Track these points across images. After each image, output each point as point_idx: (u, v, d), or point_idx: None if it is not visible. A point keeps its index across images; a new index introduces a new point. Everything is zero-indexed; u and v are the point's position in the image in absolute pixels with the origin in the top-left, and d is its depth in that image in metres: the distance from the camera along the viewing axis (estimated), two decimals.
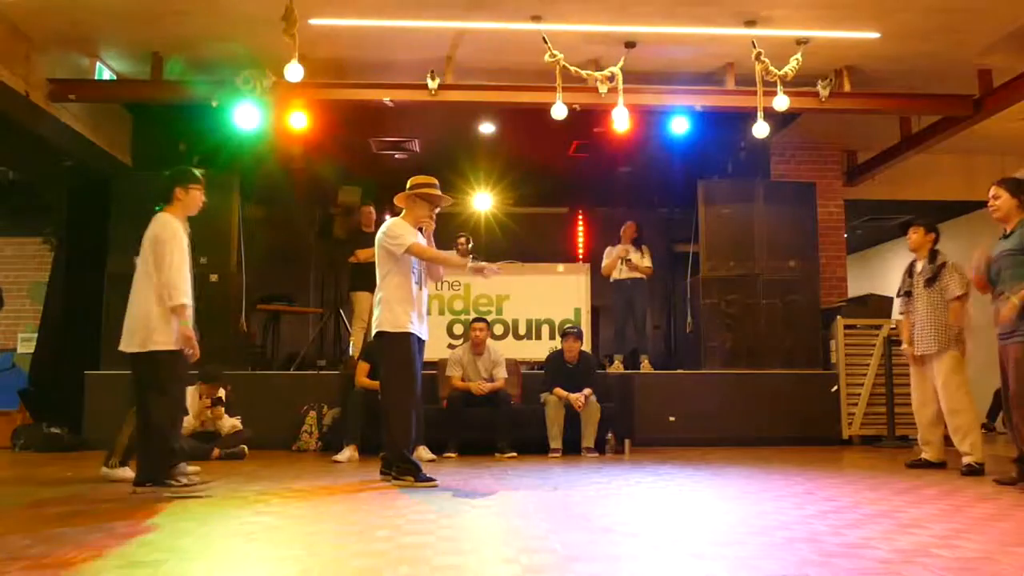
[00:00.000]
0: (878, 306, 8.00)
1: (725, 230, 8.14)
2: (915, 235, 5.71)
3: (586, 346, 7.34)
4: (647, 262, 8.33)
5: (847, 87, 7.14)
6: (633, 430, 7.04)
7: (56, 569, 2.49)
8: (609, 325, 8.90)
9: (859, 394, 7.67)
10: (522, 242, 9.34)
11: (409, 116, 7.92)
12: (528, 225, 9.81)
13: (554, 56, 6.30)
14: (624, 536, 3.10)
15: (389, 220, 4.88)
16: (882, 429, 7.53)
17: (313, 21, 6.12)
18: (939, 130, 7.86)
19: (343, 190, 8.47)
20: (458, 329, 8.13)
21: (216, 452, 6.13)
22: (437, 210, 4.95)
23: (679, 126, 7.58)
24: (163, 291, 4.26)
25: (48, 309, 7.94)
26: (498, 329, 8.11)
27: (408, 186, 4.90)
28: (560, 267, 8.78)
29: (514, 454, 6.51)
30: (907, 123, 8.38)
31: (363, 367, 6.49)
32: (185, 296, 4.29)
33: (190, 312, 4.36)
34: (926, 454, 5.66)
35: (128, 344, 4.30)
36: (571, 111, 6.65)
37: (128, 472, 5.11)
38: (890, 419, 7.45)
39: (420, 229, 4.79)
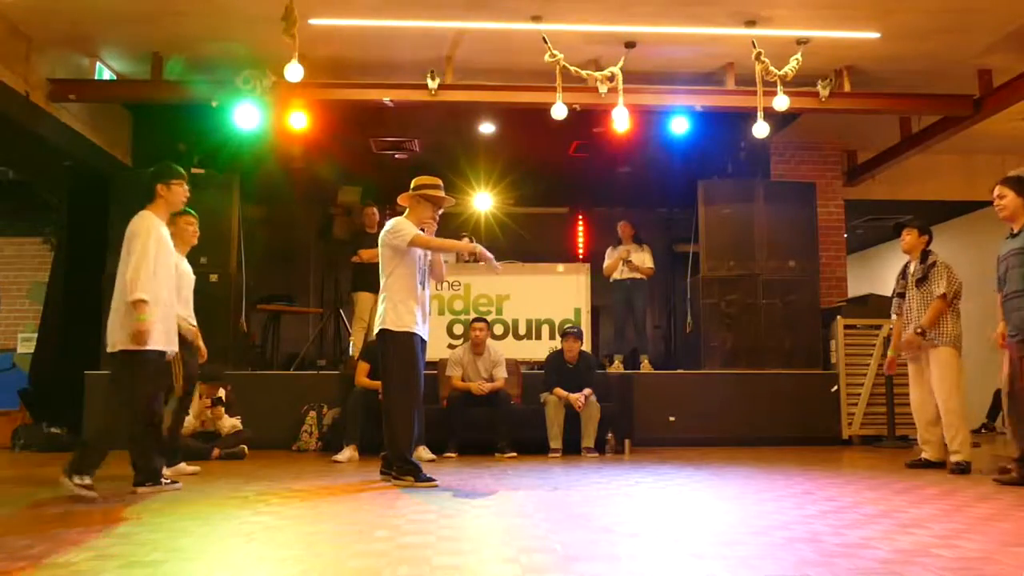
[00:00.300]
0: (878, 306, 7.99)
1: (725, 230, 8.14)
2: (908, 236, 5.73)
3: (586, 346, 7.34)
4: (649, 263, 8.34)
5: (847, 87, 7.14)
6: (633, 430, 7.04)
7: (56, 569, 2.49)
8: (609, 325, 8.90)
9: (859, 394, 7.67)
10: (522, 242, 9.34)
11: (409, 116, 7.93)
12: (528, 225, 9.81)
13: (554, 56, 6.30)
14: (624, 536, 3.10)
15: (392, 219, 4.88)
16: (882, 429, 7.54)
17: (313, 21, 6.12)
18: (939, 130, 7.86)
19: (343, 190, 8.48)
20: (458, 329, 8.13)
21: (216, 452, 6.13)
22: (440, 211, 4.95)
23: (679, 126, 7.58)
24: (126, 288, 4.20)
25: (48, 309, 7.94)
26: (498, 329, 8.10)
27: (412, 186, 4.90)
28: (560, 267, 8.77)
29: (514, 454, 6.51)
30: (907, 123, 8.38)
31: (363, 367, 6.49)
32: (144, 292, 4.16)
33: (178, 312, 4.32)
34: (926, 454, 5.67)
35: (108, 345, 4.30)
36: (571, 111, 6.66)
37: (187, 466, 5.16)
38: (890, 419, 7.45)
39: (422, 229, 4.79)
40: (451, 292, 8.26)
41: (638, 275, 8.29)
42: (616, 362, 8.18)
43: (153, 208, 4.44)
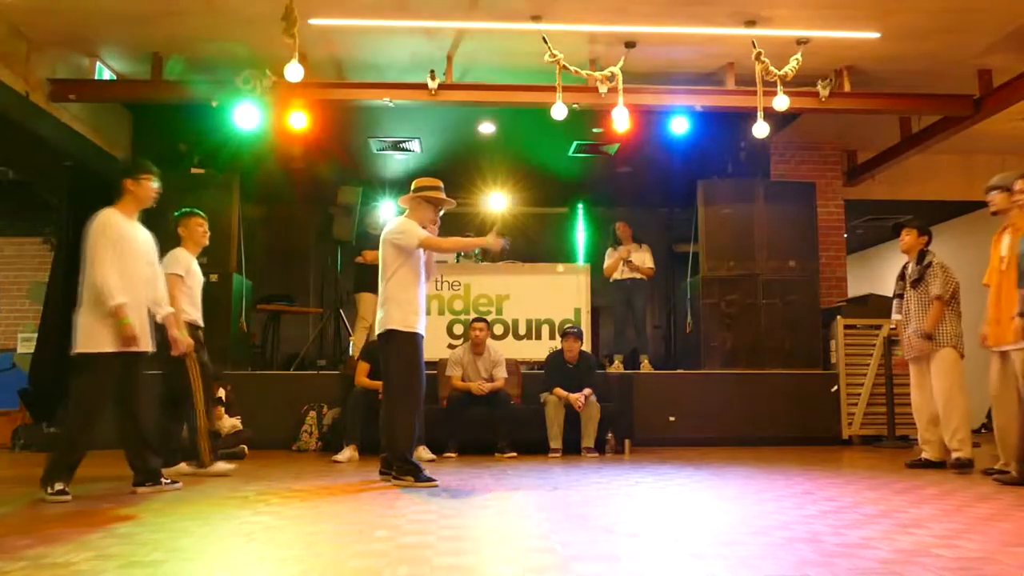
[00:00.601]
0: (878, 306, 7.99)
1: (725, 230, 8.15)
2: (908, 237, 5.73)
3: (586, 346, 7.34)
4: (649, 263, 8.34)
5: (847, 87, 7.14)
6: (633, 430, 7.04)
7: (56, 569, 2.49)
8: (609, 325, 8.91)
9: (859, 394, 7.67)
10: (522, 242, 9.34)
11: (409, 116, 7.93)
12: (528, 225, 9.80)
13: (554, 56, 6.30)
14: (624, 536, 3.10)
15: (396, 219, 4.87)
16: (882, 429, 7.54)
17: (313, 21, 6.12)
18: (939, 130, 7.86)
19: (343, 190, 8.47)
20: (458, 329, 8.12)
21: (216, 452, 6.12)
22: (441, 212, 4.95)
23: (679, 126, 7.58)
24: (89, 292, 4.17)
25: (48, 309, 7.94)
26: (498, 329, 8.10)
27: (413, 188, 4.90)
28: (560, 267, 8.78)
29: (514, 454, 6.51)
30: (907, 123, 8.38)
31: (363, 367, 6.49)
32: (120, 295, 4.13)
33: (157, 311, 4.32)
34: (926, 454, 5.67)
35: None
36: (571, 111, 6.66)
37: (222, 465, 5.17)
38: (890, 419, 7.45)
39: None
40: (451, 292, 8.25)
41: (638, 275, 8.29)
42: (616, 362, 8.18)
43: (120, 205, 4.36)
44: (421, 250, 4.76)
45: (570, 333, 7.00)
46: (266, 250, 8.85)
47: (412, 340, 4.65)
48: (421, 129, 8.55)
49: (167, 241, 5.17)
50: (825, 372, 7.89)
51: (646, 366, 8.12)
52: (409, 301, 4.67)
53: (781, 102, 6.57)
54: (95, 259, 4.17)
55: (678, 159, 8.58)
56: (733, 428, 7.53)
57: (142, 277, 4.38)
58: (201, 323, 5.29)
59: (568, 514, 3.64)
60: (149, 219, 4.64)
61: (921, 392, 5.65)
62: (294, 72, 5.95)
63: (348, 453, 6.12)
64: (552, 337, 8.10)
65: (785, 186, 8.71)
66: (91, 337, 4.18)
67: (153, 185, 4.46)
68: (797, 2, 6.03)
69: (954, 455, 5.36)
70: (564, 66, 6.33)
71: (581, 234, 10.14)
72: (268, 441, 6.84)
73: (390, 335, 4.65)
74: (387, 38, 6.59)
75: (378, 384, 5.59)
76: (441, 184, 4.93)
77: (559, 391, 6.70)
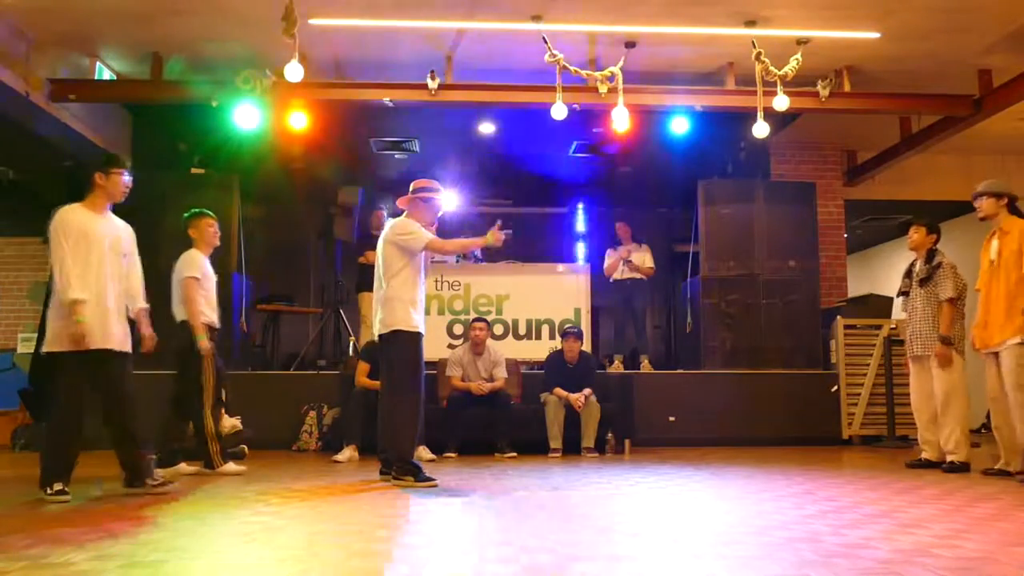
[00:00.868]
0: (878, 306, 8.00)
1: (725, 230, 8.15)
2: (916, 234, 5.72)
3: (586, 346, 7.34)
4: (649, 263, 8.35)
5: (847, 87, 7.14)
6: (633, 430, 7.04)
7: (56, 569, 2.49)
8: (609, 325, 8.90)
9: (859, 394, 7.67)
10: (522, 242, 9.33)
11: (409, 116, 7.93)
12: (528, 225, 9.80)
13: (554, 56, 6.30)
14: (624, 536, 3.10)
15: (397, 219, 4.86)
16: (882, 429, 7.54)
17: (313, 21, 6.13)
18: (939, 130, 7.86)
19: (343, 190, 8.47)
20: (458, 329, 8.13)
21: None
22: (440, 213, 4.95)
23: (679, 126, 7.58)
24: (54, 292, 4.11)
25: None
26: (498, 329, 8.11)
27: (411, 189, 4.90)
28: (560, 267, 8.79)
29: (514, 454, 6.51)
30: (907, 123, 8.38)
31: (363, 367, 6.48)
32: (76, 291, 4.01)
33: (125, 309, 4.26)
34: (926, 454, 5.67)
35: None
36: (571, 111, 6.66)
37: (233, 466, 5.17)
38: (890, 419, 7.45)
39: None
40: (451, 292, 8.26)
41: (638, 275, 8.30)
42: (616, 362, 8.18)
43: (89, 200, 4.26)
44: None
45: (570, 333, 7.01)
46: (266, 250, 8.84)
47: (415, 339, 4.66)
48: (421, 129, 8.56)
49: (169, 241, 5.17)
50: (825, 372, 7.89)
51: (646, 366, 8.12)
52: (412, 300, 4.67)
53: (781, 102, 6.57)
54: (53, 257, 4.08)
55: (678, 159, 8.59)
56: (733, 428, 7.53)
57: (112, 272, 4.23)
58: (218, 324, 5.29)
59: (568, 514, 3.64)
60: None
61: (921, 392, 5.65)
62: (294, 72, 5.95)
63: (348, 453, 6.12)
64: (552, 337, 8.11)
65: (785, 186, 8.72)
66: (54, 336, 4.11)
67: (124, 179, 4.33)
68: (797, 2, 6.04)
69: (948, 458, 5.38)
70: (564, 66, 6.33)
71: (581, 234, 10.14)
72: (268, 441, 6.84)
73: (395, 335, 4.64)
74: (387, 38, 6.59)
75: (378, 384, 5.58)
76: (439, 185, 4.94)
77: (559, 391, 6.70)
